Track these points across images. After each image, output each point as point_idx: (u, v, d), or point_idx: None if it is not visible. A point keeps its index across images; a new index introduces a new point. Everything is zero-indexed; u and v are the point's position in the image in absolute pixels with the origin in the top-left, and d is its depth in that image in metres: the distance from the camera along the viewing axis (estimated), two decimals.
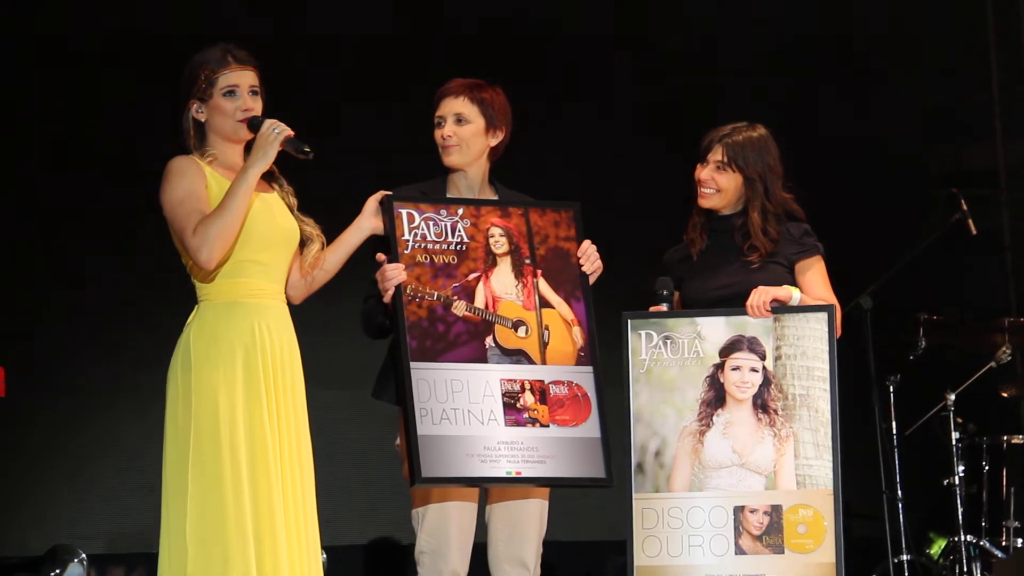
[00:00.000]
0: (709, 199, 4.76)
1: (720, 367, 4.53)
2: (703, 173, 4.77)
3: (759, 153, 4.74)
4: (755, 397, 4.50)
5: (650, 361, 4.58)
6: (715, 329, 4.55)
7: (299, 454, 4.21)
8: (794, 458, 4.45)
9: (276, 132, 4.15)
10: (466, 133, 4.56)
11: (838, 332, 4.59)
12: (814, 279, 4.70)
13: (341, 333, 6.11)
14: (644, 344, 4.59)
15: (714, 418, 4.51)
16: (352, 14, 7.27)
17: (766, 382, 4.49)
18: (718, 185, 4.75)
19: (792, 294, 4.56)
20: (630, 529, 4.52)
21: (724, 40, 7.72)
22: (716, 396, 4.52)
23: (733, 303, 4.58)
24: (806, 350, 4.49)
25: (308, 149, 4.16)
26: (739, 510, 4.47)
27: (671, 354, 4.57)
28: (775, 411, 4.47)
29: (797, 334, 4.50)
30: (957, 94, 8.20)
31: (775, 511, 4.44)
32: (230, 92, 4.22)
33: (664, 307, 4.65)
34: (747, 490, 4.47)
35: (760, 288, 4.54)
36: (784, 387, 4.48)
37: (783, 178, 4.77)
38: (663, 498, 4.52)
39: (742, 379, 4.51)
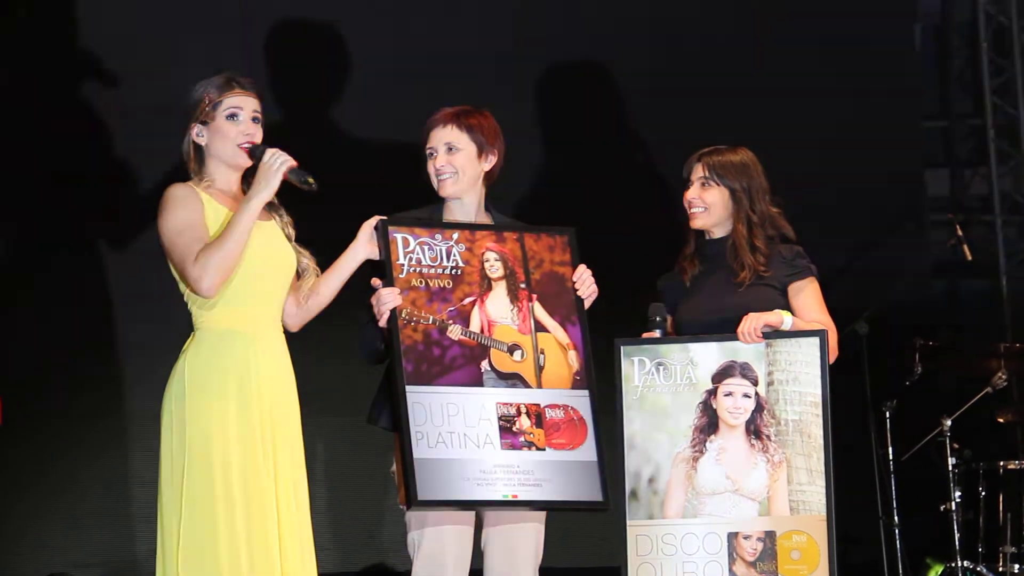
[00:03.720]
0: (699, 218, 4.77)
1: (713, 393, 4.53)
2: (689, 193, 4.79)
3: (741, 167, 4.76)
4: (748, 423, 4.49)
5: (643, 387, 4.57)
6: (707, 355, 4.55)
7: (294, 483, 4.20)
8: (787, 484, 4.44)
9: (280, 162, 4.16)
10: (459, 161, 4.55)
11: (834, 354, 4.60)
12: (808, 301, 4.70)
13: (337, 360, 6.10)
14: (637, 370, 4.59)
15: (707, 444, 4.50)
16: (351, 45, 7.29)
17: (759, 408, 4.49)
18: (705, 202, 4.76)
19: (783, 319, 4.56)
20: (624, 556, 4.52)
21: (721, 65, 7.73)
22: (709, 422, 4.51)
23: (727, 327, 4.58)
24: (798, 375, 4.48)
25: (312, 180, 4.18)
26: (733, 536, 4.46)
27: (664, 380, 4.57)
28: (768, 437, 4.47)
29: (789, 359, 4.50)
30: (951, 118, 8.22)
31: (769, 537, 4.44)
32: (232, 116, 4.24)
33: (657, 333, 4.65)
34: (741, 516, 4.46)
35: (751, 314, 4.54)
36: (777, 413, 4.48)
37: (769, 194, 4.79)
38: (657, 525, 4.51)
39: (735, 405, 4.51)
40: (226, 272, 4.12)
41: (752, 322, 4.52)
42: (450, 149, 4.54)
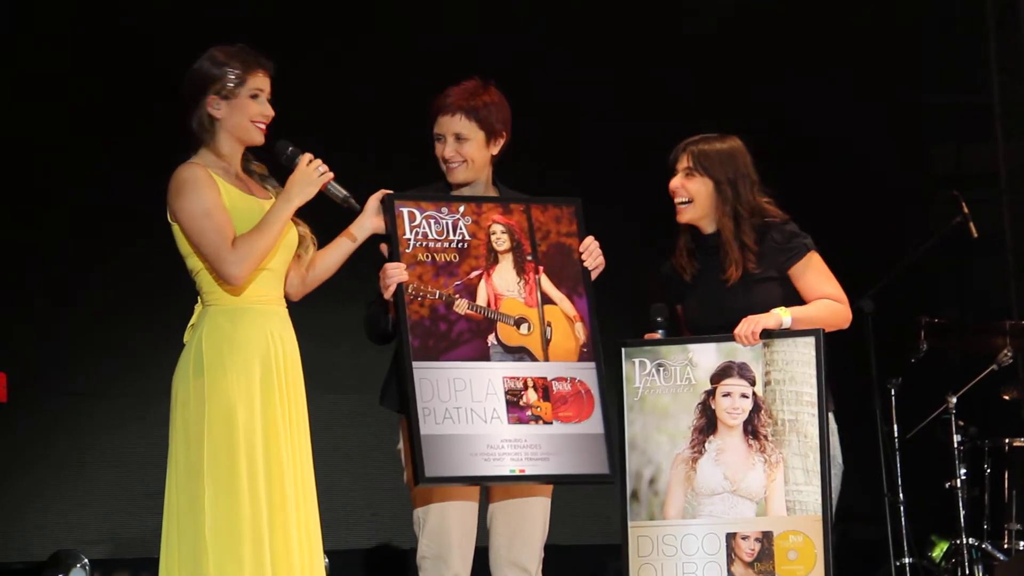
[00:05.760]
0: (684, 212, 4.68)
1: (711, 394, 4.51)
2: (673, 182, 4.70)
3: (727, 157, 4.66)
4: (745, 423, 4.46)
5: (644, 389, 4.55)
6: (706, 356, 4.52)
7: (303, 459, 4.21)
8: (784, 484, 4.42)
9: (320, 172, 4.21)
10: (468, 151, 4.52)
11: (846, 323, 4.58)
12: (812, 278, 4.62)
13: (343, 338, 6.12)
14: (638, 372, 4.57)
15: (706, 445, 4.48)
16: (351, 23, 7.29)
17: (756, 408, 4.46)
18: (689, 193, 4.67)
19: (782, 320, 4.50)
20: (626, 557, 4.51)
21: (726, 39, 7.72)
22: (708, 423, 4.49)
23: (731, 329, 4.52)
24: (795, 375, 4.45)
25: (355, 201, 4.26)
26: (731, 537, 4.45)
27: (664, 381, 4.54)
28: (765, 437, 4.44)
29: (786, 359, 4.46)
30: (957, 95, 8.20)
31: (766, 537, 4.42)
32: (255, 95, 4.25)
33: (659, 334, 4.62)
34: (739, 517, 4.45)
35: (749, 317, 4.49)
36: (774, 412, 4.45)
37: (758, 184, 4.68)
38: (657, 525, 4.50)
39: (733, 405, 4.48)
40: (258, 263, 4.16)
41: (749, 325, 4.47)
42: (459, 138, 4.52)
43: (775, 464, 4.43)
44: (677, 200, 4.69)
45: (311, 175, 4.21)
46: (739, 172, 4.65)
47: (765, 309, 4.52)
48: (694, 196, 4.67)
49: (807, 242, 4.65)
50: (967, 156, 8.24)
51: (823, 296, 4.60)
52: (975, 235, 6.86)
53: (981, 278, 8.01)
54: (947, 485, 6.71)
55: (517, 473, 4.31)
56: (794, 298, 4.62)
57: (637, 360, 4.57)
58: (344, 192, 4.27)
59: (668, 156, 4.73)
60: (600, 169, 7.29)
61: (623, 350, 4.58)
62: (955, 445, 6.71)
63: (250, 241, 4.13)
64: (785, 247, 4.64)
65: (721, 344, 4.51)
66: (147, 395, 6.32)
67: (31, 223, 6.70)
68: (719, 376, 4.50)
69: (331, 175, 4.23)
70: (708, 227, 4.69)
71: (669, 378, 4.54)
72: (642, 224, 6.79)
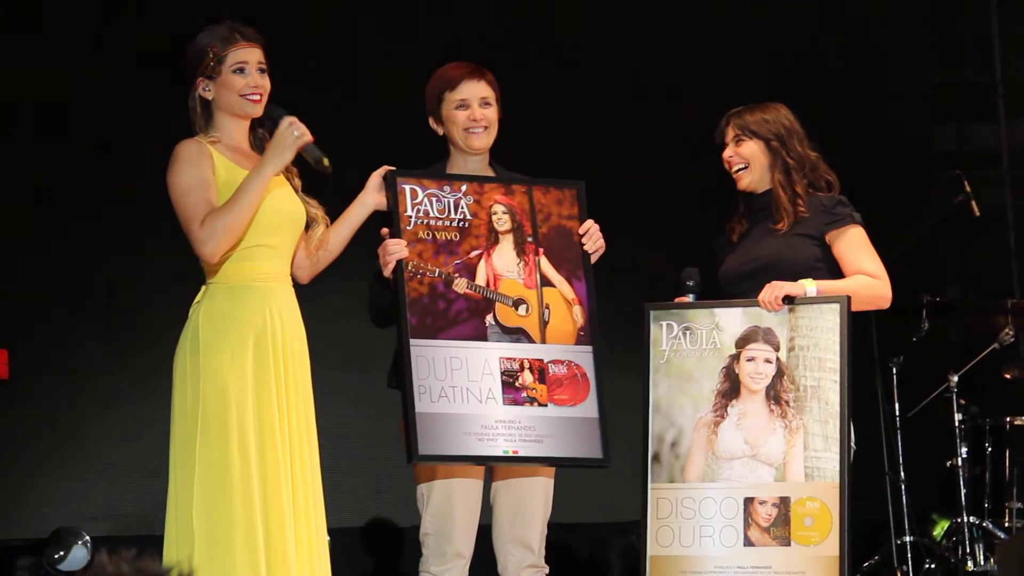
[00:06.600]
0: (744, 178, 4.75)
1: (736, 358, 4.52)
2: (726, 153, 4.77)
3: (771, 118, 4.74)
4: (768, 388, 4.48)
5: (670, 352, 4.57)
6: (732, 320, 4.54)
7: (307, 439, 4.21)
8: (803, 450, 4.43)
9: (296, 135, 4.14)
10: (491, 116, 4.56)
11: (886, 302, 4.62)
12: (848, 247, 4.65)
13: (346, 315, 6.11)
14: (665, 335, 4.58)
15: (728, 409, 4.50)
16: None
17: (779, 373, 4.48)
18: (743, 158, 4.74)
19: (806, 289, 4.51)
20: (645, 519, 4.53)
21: (728, 25, 7.70)
22: (731, 387, 4.51)
23: (759, 276, 4.56)
24: (819, 341, 4.46)
25: (327, 163, 4.16)
26: (749, 501, 4.46)
27: (690, 345, 4.56)
28: (787, 402, 4.45)
29: (810, 325, 4.47)
30: (959, 73, 8.18)
31: (783, 503, 4.43)
32: (239, 69, 4.22)
33: (690, 298, 4.64)
34: (757, 481, 4.46)
35: (774, 283, 4.51)
36: (796, 378, 4.46)
37: (807, 140, 4.76)
38: (677, 488, 4.51)
39: (756, 370, 4.50)
40: (232, 238, 4.12)
41: (773, 291, 4.49)
42: (484, 103, 4.54)
43: (795, 430, 4.44)
44: (734, 169, 4.76)
45: (287, 138, 4.14)
46: (784, 127, 4.73)
47: (794, 260, 4.57)
48: (749, 160, 4.73)
49: (854, 215, 4.70)
50: (969, 135, 8.23)
51: (860, 271, 4.63)
52: (977, 214, 6.85)
53: (983, 257, 8.01)
54: (948, 464, 6.71)
55: (510, 454, 4.32)
56: (832, 264, 4.66)
57: (664, 323, 4.58)
58: (319, 153, 4.17)
59: (714, 132, 4.81)
60: (604, 151, 7.29)
61: (650, 312, 4.60)
62: (956, 424, 6.71)
63: (219, 217, 4.09)
64: (831, 211, 4.69)
65: (747, 309, 4.53)
66: (148, 371, 6.31)
67: (32, 201, 6.69)
68: (744, 340, 4.52)
69: (309, 138, 4.16)
70: (761, 187, 4.75)
71: (695, 341, 4.55)
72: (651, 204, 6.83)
